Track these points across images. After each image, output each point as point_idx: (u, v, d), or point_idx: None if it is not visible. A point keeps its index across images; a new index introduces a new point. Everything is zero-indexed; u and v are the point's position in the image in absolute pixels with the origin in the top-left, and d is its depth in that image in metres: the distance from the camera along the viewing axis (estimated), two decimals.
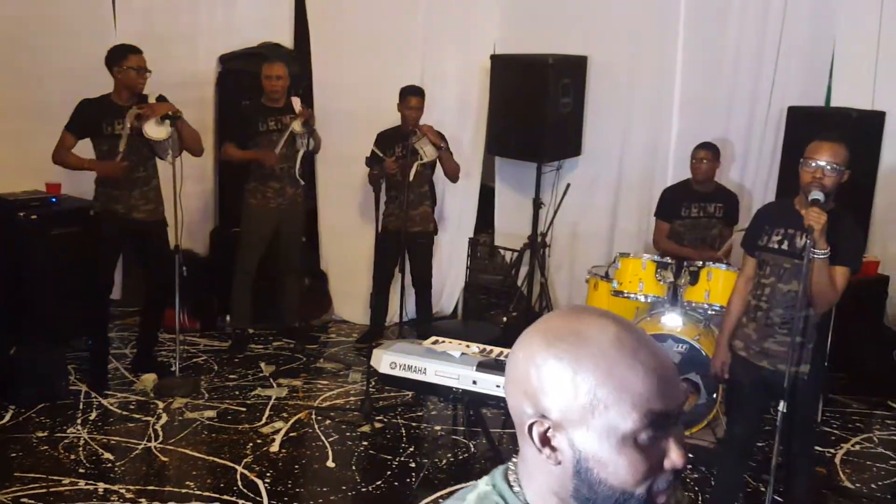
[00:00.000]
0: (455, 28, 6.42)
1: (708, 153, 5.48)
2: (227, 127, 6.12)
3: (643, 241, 6.06)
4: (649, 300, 5.25)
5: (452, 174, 5.91)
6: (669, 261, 5.21)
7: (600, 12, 6.19)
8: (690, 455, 4.74)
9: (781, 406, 3.63)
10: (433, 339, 4.42)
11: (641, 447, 1.10)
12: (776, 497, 3.88)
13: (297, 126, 5.56)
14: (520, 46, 6.25)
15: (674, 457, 1.12)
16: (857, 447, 5.08)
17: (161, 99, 5.02)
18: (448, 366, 4.05)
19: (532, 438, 1.13)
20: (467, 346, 4.28)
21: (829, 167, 3.53)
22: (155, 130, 4.87)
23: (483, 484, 1.23)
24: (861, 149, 5.72)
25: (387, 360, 4.13)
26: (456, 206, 6.59)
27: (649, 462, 1.11)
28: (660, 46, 6.11)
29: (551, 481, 1.16)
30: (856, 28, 5.90)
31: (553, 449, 1.13)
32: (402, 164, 5.61)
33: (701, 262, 5.07)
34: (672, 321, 5.01)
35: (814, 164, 3.56)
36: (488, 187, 6.80)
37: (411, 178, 5.58)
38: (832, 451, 5.01)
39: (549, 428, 1.12)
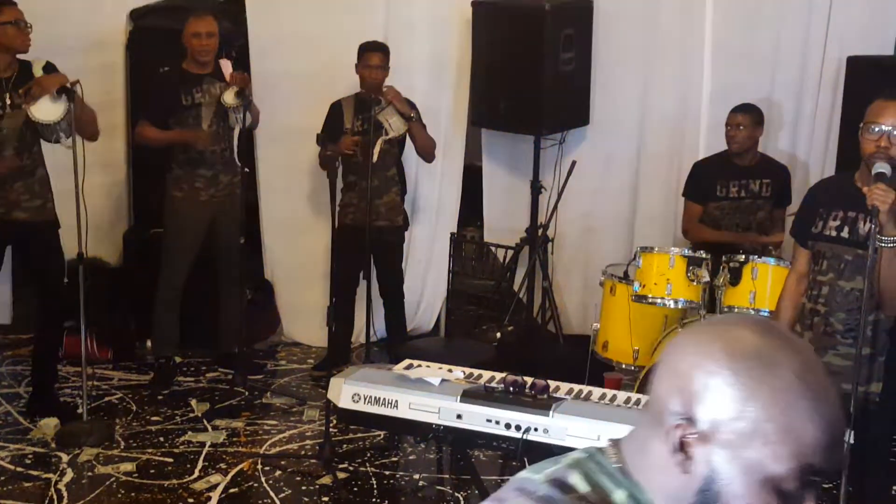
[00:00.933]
0: None
1: (746, 117, 5.59)
2: (141, 101, 6.13)
3: (671, 232, 6.16)
4: (680, 305, 5.30)
5: (426, 152, 5.97)
6: (704, 255, 5.27)
7: None
8: None
9: (848, 435, 3.63)
10: (406, 362, 4.42)
11: (781, 496, 1.23)
12: None
13: (229, 97, 5.59)
14: None
15: None
16: None
17: (49, 69, 5.02)
18: (425, 397, 4.04)
19: (668, 437, 1.28)
20: (449, 371, 4.29)
21: None
22: (46, 111, 4.86)
23: (578, 453, 1.41)
24: None
25: (348, 391, 4.12)
26: (433, 194, 6.65)
27: None
28: None
29: (670, 484, 1.31)
30: None
31: (688, 457, 1.27)
32: (363, 140, 5.61)
33: (744, 257, 5.13)
34: None
35: (877, 129, 3.62)
36: (474, 168, 6.85)
37: (375, 158, 5.58)
38: None
39: (694, 435, 1.26)
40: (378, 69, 5.73)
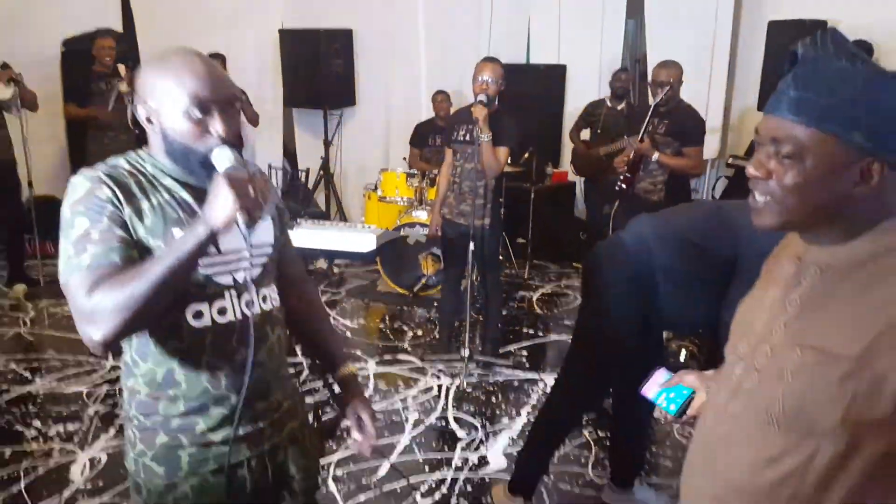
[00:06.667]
0: (250, 9, 6.65)
1: (446, 96, 5.99)
2: (69, 92, 6.05)
3: (404, 164, 6.49)
4: (405, 202, 5.71)
5: (253, 121, 6.10)
6: (415, 172, 5.75)
7: None
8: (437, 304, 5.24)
9: (472, 245, 4.06)
10: None
11: (193, 120, 1.36)
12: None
13: (122, 86, 5.63)
14: (302, 21, 6.53)
15: (216, 126, 1.35)
16: (550, 290, 5.77)
17: (5, 66, 5.11)
18: None
19: (138, 116, 1.40)
20: None
21: (490, 80, 3.94)
22: (1, 92, 5.00)
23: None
24: (552, 94, 6.43)
25: None
26: (269, 148, 6.79)
27: (199, 129, 1.36)
28: (408, 15, 6.51)
29: (157, 145, 1.40)
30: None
31: (150, 122, 1.39)
32: None
33: (437, 171, 5.55)
34: (420, 213, 5.42)
35: (480, 79, 3.99)
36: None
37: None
38: (531, 293, 5.63)
39: (150, 112, 1.35)
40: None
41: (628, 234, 2.60)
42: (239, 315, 1.43)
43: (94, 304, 1.26)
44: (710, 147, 5.89)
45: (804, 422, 1.09)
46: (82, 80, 5.72)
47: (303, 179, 6.54)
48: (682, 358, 4.15)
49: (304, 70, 6.31)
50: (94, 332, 1.26)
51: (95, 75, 5.71)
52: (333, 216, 6.51)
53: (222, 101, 1.35)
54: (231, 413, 1.43)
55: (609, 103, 5.85)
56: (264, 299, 1.49)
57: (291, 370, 3.97)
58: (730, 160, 6.05)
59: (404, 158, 6.24)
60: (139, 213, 1.36)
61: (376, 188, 5.95)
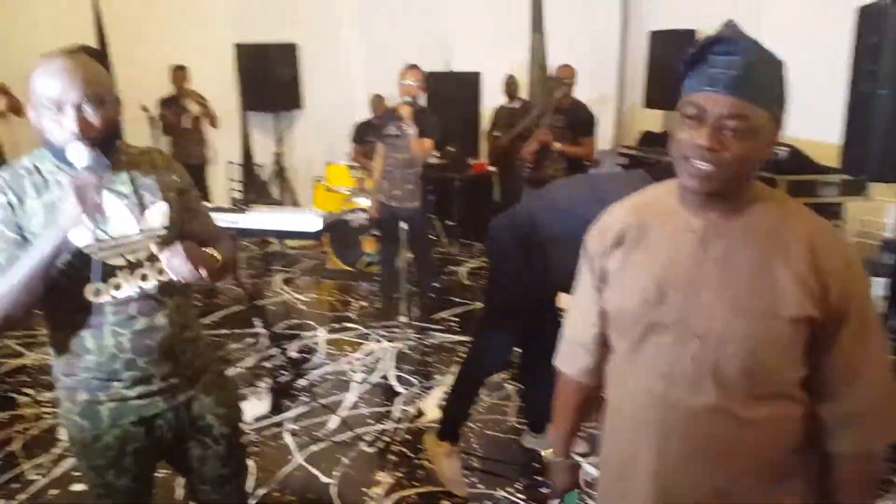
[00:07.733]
0: (211, 26, 6.40)
1: (381, 98, 5.83)
2: None
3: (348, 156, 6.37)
4: (349, 191, 5.61)
5: (214, 123, 5.86)
6: (357, 165, 5.66)
7: (309, 6, 6.42)
8: (378, 278, 5.11)
9: (403, 225, 4.08)
10: None
11: (49, 117, 1.28)
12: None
13: None
14: (252, 36, 6.32)
15: (67, 123, 1.26)
16: (476, 264, 5.70)
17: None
18: None
19: (32, 120, 1.28)
20: None
21: (414, 83, 3.84)
22: None
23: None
24: (470, 97, 6.40)
25: None
26: (226, 145, 6.54)
27: (56, 126, 1.29)
28: (344, 30, 6.40)
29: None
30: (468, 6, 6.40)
31: (37, 121, 1.32)
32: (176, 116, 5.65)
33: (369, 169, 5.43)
34: (361, 200, 5.39)
35: (404, 83, 3.89)
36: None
37: (190, 125, 5.66)
38: (460, 267, 5.58)
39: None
40: (181, 79, 5.65)
41: (519, 207, 2.57)
42: (135, 289, 1.40)
43: None
44: (605, 139, 5.95)
45: (765, 373, 1.09)
46: None
47: (258, 173, 6.37)
48: None
49: (257, 79, 6.19)
50: None
51: None
52: (287, 204, 6.36)
53: (77, 99, 1.25)
54: (141, 374, 1.42)
55: (508, 104, 5.93)
56: (160, 272, 1.43)
57: (252, 340, 3.87)
58: (621, 149, 6.13)
59: (346, 153, 6.14)
60: (32, 213, 1.33)
61: (323, 180, 5.83)
